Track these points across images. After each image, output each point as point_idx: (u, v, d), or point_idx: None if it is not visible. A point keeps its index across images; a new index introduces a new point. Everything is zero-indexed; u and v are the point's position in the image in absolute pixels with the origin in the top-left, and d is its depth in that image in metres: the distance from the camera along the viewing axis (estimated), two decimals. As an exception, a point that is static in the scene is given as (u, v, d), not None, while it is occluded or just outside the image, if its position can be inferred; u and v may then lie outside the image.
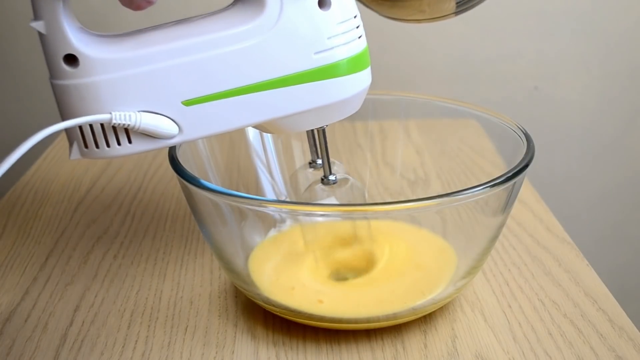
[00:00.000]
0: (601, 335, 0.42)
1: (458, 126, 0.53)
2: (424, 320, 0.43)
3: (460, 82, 0.97)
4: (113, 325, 0.44)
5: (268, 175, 0.53)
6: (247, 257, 0.46)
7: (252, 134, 0.53)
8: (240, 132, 0.52)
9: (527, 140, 0.43)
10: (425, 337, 0.42)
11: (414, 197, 0.53)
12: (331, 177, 0.43)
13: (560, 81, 0.97)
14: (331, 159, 0.43)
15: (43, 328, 0.43)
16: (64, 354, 0.41)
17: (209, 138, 0.48)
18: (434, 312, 0.44)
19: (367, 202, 0.54)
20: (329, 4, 0.36)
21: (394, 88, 0.93)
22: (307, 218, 0.45)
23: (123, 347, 0.42)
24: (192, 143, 0.47)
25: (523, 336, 0.42)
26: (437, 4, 0.41)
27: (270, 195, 0.52)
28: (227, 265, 0.44)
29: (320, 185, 0.44)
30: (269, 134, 0.53)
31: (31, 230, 0.56)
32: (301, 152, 0.54)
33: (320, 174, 0.44)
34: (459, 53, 0.95)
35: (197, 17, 0.37)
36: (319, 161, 0.46)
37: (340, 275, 0.45)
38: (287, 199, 0.52)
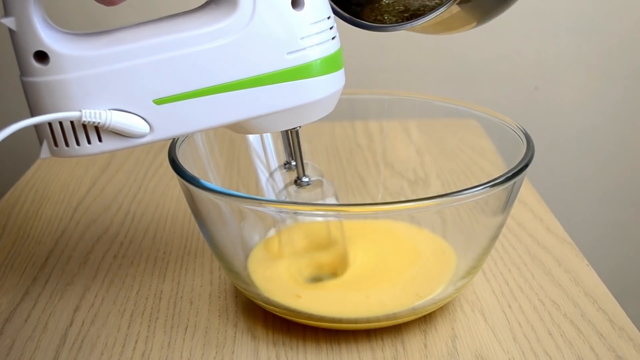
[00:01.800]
0: (601, 335, 0.42)
1: (458, 126, 0.53)
2: (424, 320, 0.43)
3: (460, 82, 0.97)
4: (113, 325, 0.44)
5: (268, 175, 0.53)
6: (247, 257, 0.46)
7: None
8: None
9: (527, 140, 0.43)
10: (425, 337, 0.42)
11: (414, 197, 0.53)
12: (304, 179, 0.43)
13: (560, 81, 0.97)
14: (306, 161, 0.43)
15: (43, 328, 0.43)
16: (64, 354, 0.41)
17: (208, 137, 0.48)
18: (434, 312, 0.44)
19: (367, 202, 0.54)
20: (302, 4, 0.36)
21: (394, 88, 0.93)
22: (307, 218, 0.45)
23: (123, 347, 0.42)
24: (192, 143, 0.46)
25: (523, 336, 0.42)
26: (461, 21, 0.41)
27: (270, 195, 0.52)
28: (227, 265, 0.44)
29: (293, 187, 0.43)
30: (269, 135, 0.53)
31: (31, 230, 0.56)
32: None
33: (295, 175, 0.44)
34: (459, 53, 0.95)
35: (169, 16, 0.37)
36: (294, 162, 0.46)
37: (339, 275, 0.45)
38: (287, 199, 0.52)
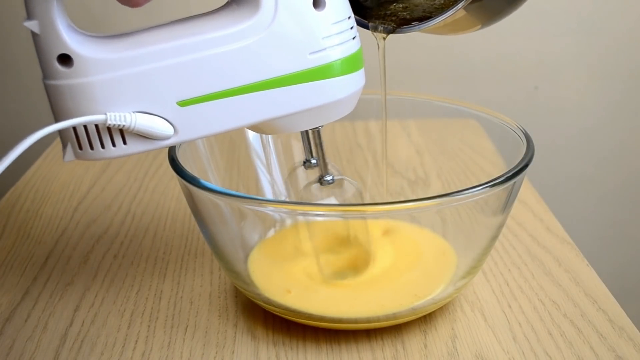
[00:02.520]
0: (601, 335, 0.42)
1: (458, 126, 0.53)
2: (424, 320, 0.43)
3: (460, 82, 0.97)
4: (113, 325, 0.44)
5: (268, 175, 0.53)
6: (246, 257, 0.46)
7: (252, 134, 0.53)
8: (240, 132, 0.52)
9: (527, 140, 0.43)
10: (425, 337, 0.42)
11: (414, 197, 0.53)
12: (327, 177, 0.43)
13: (560, 81, 0.97)
14: (327, 160, 0.43)
15: (43, 328, 0.43)
16: (64, 354, 0.41)
17: (208, 138, 0.48)
18: (434, 312, 0.44)
19: (368, 202, 0.54)
20: (324, 4, 0.36)
21: (394, 88, 0.93)
22: (307, 218, 0.45)
23: (123, 347, 0.42)
24: (191, 143, 0.46)
25: (523, 336, 0.42)
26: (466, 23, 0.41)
27: (270, 195, 0.52)
28: (227, 265, 0.44)
29: (316, 185, 0.44)
30: (268, 134, 0.53)
31: (31, 230, 0.56)
32: (301, 152, 0.54)
33: (313, 173, 0.44)
34: (459, 53, 0.95)
35: (191, 17, 0.37)
36: (313, 161, 0.46)
37: (339, 274, 0.45)
38: (287, 199, 0.52)
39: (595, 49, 0.95)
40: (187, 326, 0.43)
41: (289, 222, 0.49)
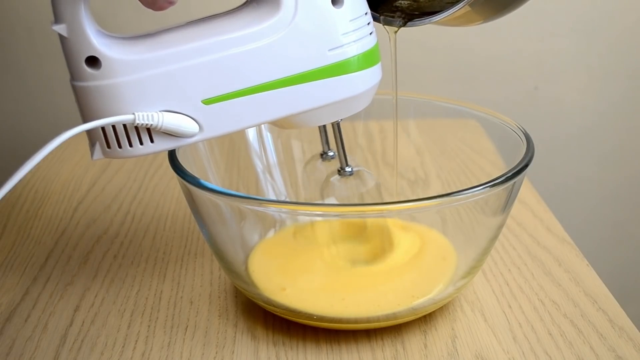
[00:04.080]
0: (601, 335, 0.42)
1: (458, 126, 0.53)
2: (424, 320, 0.43)
3: (460, 82, 0.97)
4: (113, 325, 0.44)
5: (268, 175, 0.53)
6: (246, 257, 0.46)
7: (252, 134, 0.53)
8: (240, 132, 0.52)
9: (527, 140, 0.43)
10: (425, 337, 0.42)
11: (414, 197, 0.53)
12: (347, 169, 0.44)
13: (560, 81, 0.97)
14: (345, 152, 0.44)
15: (43, 328, 0.43)
16: (64, 354, 0.41)
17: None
18: (434, 312, 0.44)
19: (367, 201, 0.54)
20: (342, 2, 0.37)
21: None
22: (307, 218, 0.45)
23: (123, 347, 0.42)
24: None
25: (523, 336, 0.42)
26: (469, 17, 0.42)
27: (270, 195, 0.52)
28: (227, 265, 0.44)
29: (336, 177, 0.44)
30: (269, 135, 0.53)
31: (31, 230, 0.56)
32: (301, 152, 0.54)
33: (331, 165, 0.45)
34: (459, 53, 0.95)
35: (212, 16, 0.38)
36: (330, 153, 0.46)
37: (339, 274, 0.45)
38: (287, 199, 0.52)
39: (595, 49, 0.95)
40: (187, 326, 0.43)
41: (289, 222, 0.49)
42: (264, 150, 0.53)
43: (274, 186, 0.53)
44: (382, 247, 0.46)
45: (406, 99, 0.53)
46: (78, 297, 0.47)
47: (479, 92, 0.97)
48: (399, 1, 0.44)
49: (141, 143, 0.37)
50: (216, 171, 0.49)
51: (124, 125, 0.36)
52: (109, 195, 0.63)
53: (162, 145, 0.37)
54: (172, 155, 0.42)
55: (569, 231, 0.55)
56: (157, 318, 0.44)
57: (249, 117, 0.38)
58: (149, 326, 0.43)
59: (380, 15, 0.43)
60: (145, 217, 0.58)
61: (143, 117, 0.36)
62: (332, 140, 0.44)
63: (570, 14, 0.94)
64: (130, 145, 0.37)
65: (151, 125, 0.36)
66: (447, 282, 0.43)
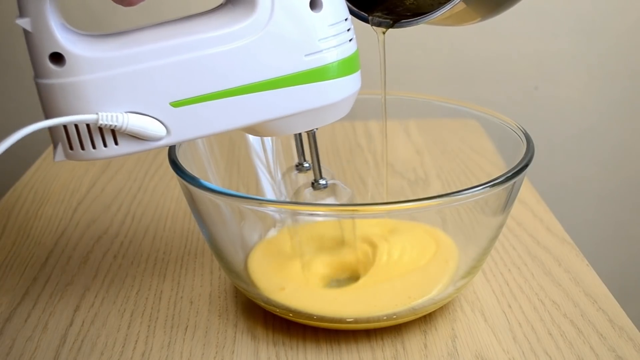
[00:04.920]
0: (601, 335, 0.42)
1: (458, 126, 0.53)
2: (424, 320, 0.43)
3: (460, 82, 0.97)
4: (113, 325, 0.44)
5: (268, 175, 0.53)
6: (246, 257, 0.46)
7: (252, 134, 0.53)
8: (240, 132, 0.52)
9: (527, 140, 0.43)
10: (425, 337, 0.42)
11: (414, 197, 0.53)
12: (321, 182, 0.42)
13: (560, 81, 0.97)
14: (320, 164, 0.43)
15: (43, 328, 0.43)
16: (64, 354, 0.41)
17: (208, 138, 0.48)
18: (434, 312, 0.44)
19: (368, 202, 0.54)
20: (321, 5, 0.36)
21: (394, 88, 0.93)
22: (307, 218, 0.45)
23: (123, 347, 0.42)
24: (192, 143, 0.46)
25: (523, 336, 0.42)
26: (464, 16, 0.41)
27: (270, 195, 0.52)
28: (227, 265, 0.44)
29: (309, 189, 0.43)
30: (262, 136, 0.53)
31: (31, 230, 0.56)
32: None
33: (306, 176, 0.43)
34: (459, 53, 0.95)
35: (187, 17, 0.37)
36: (306, 164, 0.45)
37: (339, 274, 0.45)
38: (287, 199, 0.52)
39: (595, 48, 0.95)
40: (187, 326, 0.43)
41: (289, 222, 0.49)
42: (264, 150, 0.53)
43: (273, 186, 0.53)
44: (380, 247, 0.46)
45: (406, 99, 0.53)
46: (78, 297, 0.47)
47: (479, 92, 0.97)
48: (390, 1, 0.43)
49: (105, 145, 0.35)
50: (216, 171, 0.49)
51: (87, 126, 0.35)
52: (109, 195, 0.63)
53: (127, 148, 0.36)
54: (172, 155, 0.42)
55: (569, 231, 0.55)
56: (157, 318, 0.44)
57: (220, 122, 0.36)
58: (149, 326, 0.43)
59: (369, 16, 0.42)
60: (145, 217, 0.58)
61: (107, 118, 0.34)
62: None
63: (570, 14, 0.94)
64: (94, 147, 0.35)
65: (115, 126, 0.34)
66: (447, 282, 0.43)
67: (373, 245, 0.46)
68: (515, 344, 0.41)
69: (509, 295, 0.46)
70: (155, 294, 0.47)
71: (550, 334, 0.42)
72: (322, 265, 0.45)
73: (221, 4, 0.37)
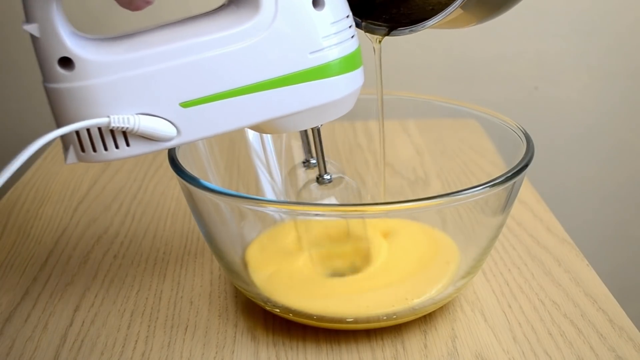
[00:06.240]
0: (601, 335, 0.42)
1: (458, 126, 0.53)
2: (424, 320, 0.43)
3: (460, 82, 0.97)
4: (113, 325, 0.44)
5: (268, 175, 0.53)
6: (245, 255, 0.46)
7: (251, 134, 0.53)
8: (240, 132, 0.52)
9: (527, 140, 0.43)
10: (425, 337, 0.42)
11: (414, 197, 0.53)
12: (326, 177, 0.43)
13: (560, 81, 0.97)
14: (326, 158, 0.43)
15: (43, 328, 0.43)
16: (64, 354, 0.41)
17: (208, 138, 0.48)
18: (434, 312, 0.44)
19: (367, 201, 0.54)
20: (323, 4, 0.36)
21: (394, 88, 0.93)
22: (307, 218, 0.45)
23: (123, 347, 0.42)
24: (192, 143, 0.46)
25: (523, 336, 0.42)
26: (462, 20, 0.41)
27: (270, 195, 0.52)
28: (227, 265, 0.44)
29: (315, 184, 0.44)
30: (269, 134, 0.53)
31: (31, 230, 0.56)
32: (301, 152, 0.54)
33: (313, 172, 0.44)
34: (458, 53, 0.95)
35: (191, 17, 0.37)
36: (313, 160, 0.46)
37: (339, 274, 0.45)
38: (287, 199, 0.52)
39: (595, 49, 0.95)
40: (187, 326, 0.43)
41: (288, 221, 0.49)
42: (264, 150, 0.53)
43: (273, 186, 0.53)
44: (382, 247, 0.46)
45: (406, 99, 0.53)
46: (78, 297, 0.47)
47: (479, 92, 0.97)
48: (386, 9, 0.43)
49: (117, 147, 0.36)
50: (216, 171, 0.49)
51: (99, 129, 0.35)
52: (109, 195, 0.63)
53: (139, 149, 0.36)
54: (172, 155, 0.42)
55: (569, 231, 0.55)
56: (157, 318, 0.44)
57: (228, 121, 0.37)
58: (149, 326, 0.43)
59: (362, 22, 0.42)
60: (145, 217, 0.58)
61: (118, 120, 0.34)
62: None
63: (570, 14, 0.94)
64: (106, 149, 0.35)
65: (127, 128, 0.35)
66: (447, 282, 0.43)
67: (373, 245, 0.46)
68: (515, 344, 0.41)
69: (509, 295, 0.46)
70: (155, 294, 0.47)
71: (550, 334, 0.42)
72: (322, 263, 0.45)
73: (223, 4, 0.38)
